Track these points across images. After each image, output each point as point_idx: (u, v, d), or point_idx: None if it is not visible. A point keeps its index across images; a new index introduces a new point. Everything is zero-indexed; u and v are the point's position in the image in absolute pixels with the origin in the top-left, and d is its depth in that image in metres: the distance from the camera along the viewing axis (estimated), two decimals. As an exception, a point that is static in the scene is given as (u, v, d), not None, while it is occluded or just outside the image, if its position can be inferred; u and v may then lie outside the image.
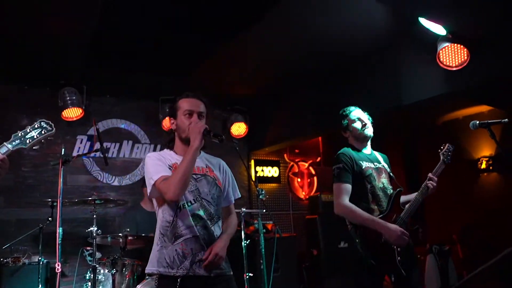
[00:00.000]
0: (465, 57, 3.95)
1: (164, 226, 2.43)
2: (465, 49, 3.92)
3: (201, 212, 2.45)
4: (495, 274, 1.43)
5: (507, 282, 1.45)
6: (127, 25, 4.16)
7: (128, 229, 4.20)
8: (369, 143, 3.42)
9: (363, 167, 3.21)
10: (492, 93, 4.79)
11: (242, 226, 4.64)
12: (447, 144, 3.40)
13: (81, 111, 5.41)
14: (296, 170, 7.65)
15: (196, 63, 5.06)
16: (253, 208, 6.53)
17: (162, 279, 2.38)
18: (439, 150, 3.38)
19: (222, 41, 4.52)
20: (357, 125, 3.34)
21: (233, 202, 2.76)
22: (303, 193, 7.58)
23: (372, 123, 3.41)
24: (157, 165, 2.43)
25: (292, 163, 7.63)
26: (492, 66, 4.01)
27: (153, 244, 2.49)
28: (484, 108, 5.94)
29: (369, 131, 3.35)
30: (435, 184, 3.16)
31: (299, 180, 7.62)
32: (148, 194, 2.45)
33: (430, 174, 3.19)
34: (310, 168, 7.74)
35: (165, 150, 2.64)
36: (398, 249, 3.02)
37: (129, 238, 4.17)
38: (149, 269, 2.44)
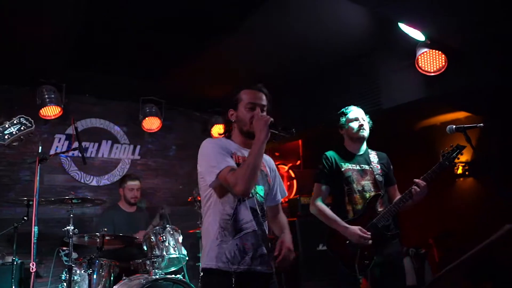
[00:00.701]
0: (443, 63, 4.04)
1: (224, 219, 2.31)
2: (443, 55, 4.01)
3: (256, 207, 2.39)
4: (463, 273, 1.46)
5: (474, 281, 1.49)
6: (108, 25, 4.13)
7: (105, 229, 4.15)
8: (364, 143, 3.46)
9: (343, 169, 3.28)
10: (469, 100, 4.88)
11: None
12: (456, 144, 3.15)
13: (59, 109, 5.33)
14: (276, 173, 7.65)
15: (177, 64, 5.04)
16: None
17: (220, 275, 2.25)
18: (442, 151, 3.19)
19: (203, 43, 4.51)
20: (354, 125, 3.37)
21: (280, 201, 2.69)
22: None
23: (371, 125, 3.44)
24: (220, 153, 2.33)
25: (272, 166, 7.63)
26: (469, 73, 4.11)
27: (207, 238, 2.35)
28: (461, 115, 6.05)
29: (365, 132, 3.39)
30: (418, 190, 3.07)
31: (279, 183, 7.62)
32: (209, 183, 2.31)
33: (416, 180, 3.12)
34: (290, 171, 7.76)
35: (222, 138, 2.56)
36: (365, 252, 3.07)
37: (107, 238, 4.13)
38: (207, 263, 2.31)
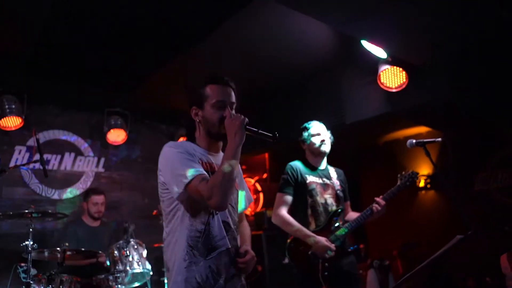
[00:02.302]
0: (404, 80, 4.18)
1: (193, 236, 1.99)
2: (404, 72, 4.15)
3: (229, 220, 2.10)
4: (420, 281, 1.51)
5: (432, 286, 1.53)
6: (73, 35, 4.08)
7: (67, 244, 4.03)
8: (325, 158, 3.51)
9: (307, 181, 3.33)
10: (428, 115, 5.06)
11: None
12: (411, 170, 3.34)
13: (20, 120, 5.18)
14: (243, 186, 7.66)
15: (143, 77, 5.01)
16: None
17: None
18: (399, 175, 3.34)
19: (169, 55, 4.51)
20: (316, 140, 3.41)
21: (246, 208, 2.41)
22: (249, 209, 7.60)
23: (332, 140, 3.48)
24: (187, 159, 2.00)
25: (239, 179, 7.63)
26: (429, 89, 4.26)
27: (172, 260, 2.02)
28: (423, 129, 6.24)
29: (326, 147, 3.43)
30: (379, 208, 3.18)
31: (245, 195, 7.63)
32: (176, 195, 1.97)
33: (376, 198, 3.23)
34: (256, 184, 7.79)
35: (184, 141, 2.23)
36: (326, 264, 3.14)
37: (68, 253, 4.01)
38: None
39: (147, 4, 3.65)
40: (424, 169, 6.68)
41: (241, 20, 3.86)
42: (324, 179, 3.43)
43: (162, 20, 3.86)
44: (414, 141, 3.13)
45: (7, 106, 5.05)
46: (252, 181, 7.79)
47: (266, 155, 7.90)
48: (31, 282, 3.70)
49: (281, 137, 3.70)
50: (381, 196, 3.24)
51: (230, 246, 2.06)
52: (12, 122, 5.17)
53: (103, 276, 4.14)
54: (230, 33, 4.06)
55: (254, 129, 2.02)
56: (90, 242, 4.69)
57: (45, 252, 3.98)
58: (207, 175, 1.97)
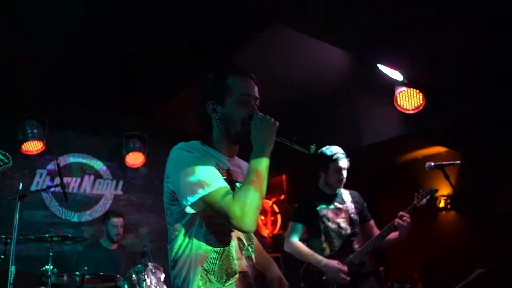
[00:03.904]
0: (421, 101, 4.16)
1: (210, 258, 1.65)
2: (420, 94, 4.13)
3: (244, 238, 1.77)
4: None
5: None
6: (93, 60, 4.17)
7: (86, 268, 4.06)
8: None
9: (318, 208, 3.35)
10: (446, 136, 5.02)
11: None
12: (428, 188, 3.29)
13: (42, 144, 5.29)
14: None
15: (161, 99, 5.08)
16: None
17: None
18: (416, 193, 3.29)
19: (187, 79, 4.57)
20: (337, 176, 3.37)
21: None
22: (267, 231, 7.56)
23: (348, 166, 3.43)
24: (205, 165, 1.63)
25: (255, 200, 7.61)
26: (446, 110, 4.24)
27: (182, 285, 1.67)
28: (441, 149, 6.17)
29: (342, 185, 3.44)
30: (402, 223, 3.11)
31: (262, 217, 7.61)
32: (189, 205, 1.60)
33: (401, 212, 3.18)
34: (274, 205, 7.76)
35: (196, 142, 1.81)
36: None
37: (87, 277, 4.04)
38: None
39: (165, 30, 3.72)
40: (444, 189, 6.56)
41: (259, 44, 3.91)
42: (337, 204, 3.42)
43: (180, 44, 3.93)
44: (432, 164, 3.11)
45: (29, 131, 5.16)
46: (270, 202, 7.76)
47: (284, 176, 7.89)
48: (50, 306, 3.73)
49: (301, 157, 3.67)
50: (404, 211, 3.19)
51: (247, 269, 1.73)
52: (34, 147, 5.28)
53: (121, 300, 4.16)
54: (248, 56, 4.10)
55: (285, 140, 1.69)
56: (108, 265, 4.72)
57: (64, 276, 4.02)
58: (229, 188, 1.61)
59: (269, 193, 7.79)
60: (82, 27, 3.57)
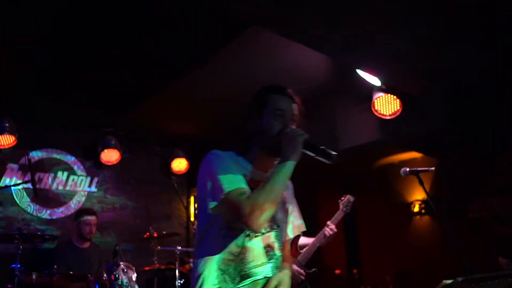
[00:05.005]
0: (398, 107, 4.20)
1: (226, 259, 1.73)
2: (398, 100, 4.17)
3: (276, 246, 1.82)
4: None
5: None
6: (70, 54, 4.09)
7: (55, 266, 3.98)
8: None
9: None
10: (423, 142, 5.08)
11: (176, 265, 4.55)
12: (348, 196, 3.70)
13: (14, 138, 5.16)
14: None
15: (139, 100, 5.03)
16: (190, 246, 6.40)
17: None
18: (340, 200, 3.67)
19: (166, 79, 4.54)
20: None
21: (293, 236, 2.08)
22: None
23: None
24: (231, 169, 1.73)
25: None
26: (423, 117, 4.29)
27: (199, 284, 1.74)
28: (417, 155, 6.25)
29: None
30: (331, 233, 3.45)
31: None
32: (209, 207, 1.71)
33: (328, 222, 3.51)
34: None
35: (231, 153, 1.90)
36: None
37: (56, 276, 3.95)
38: None
39: (145, 29, 3.68)
40: (419, 194, 6.65)
41: (235, 47, 3.89)
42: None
43: (159, 46, 3.89)
44: (407, 169, 3.15)
45: (0, 125, 5.04)
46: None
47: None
48: (17, 305, 3.64)
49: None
50: (330, 221, 3.55)
51: (271, 275, 1.77)
52: (5, 141, 5.16)
53: (91, 300, 4.09)
54: (225, 60, 4.10)
55: (311, 151, 1.78)
56: (80, 264, 4.63)
57: (32, 275, 3.92)
58: (249, 190, 1.70)
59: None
60: (58, 22, 3.50)
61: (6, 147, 5.21)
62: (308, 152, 1.77)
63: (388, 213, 5.84)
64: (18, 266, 3.69)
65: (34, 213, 5.52)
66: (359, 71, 3.95)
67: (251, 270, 1.73)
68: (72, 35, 3.77)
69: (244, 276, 1.72)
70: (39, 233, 4.70)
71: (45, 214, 5.60)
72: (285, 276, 1.83)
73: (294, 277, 2.85)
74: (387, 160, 6.78)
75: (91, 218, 4.97)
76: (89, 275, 4.34)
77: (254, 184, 1.77)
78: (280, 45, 3.84)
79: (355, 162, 6.69)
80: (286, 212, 1.96)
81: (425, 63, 3.61)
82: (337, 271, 7.05)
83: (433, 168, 3.15)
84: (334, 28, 3.15)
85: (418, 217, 6.70)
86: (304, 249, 3.49)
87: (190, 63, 4.19)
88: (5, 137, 5.14)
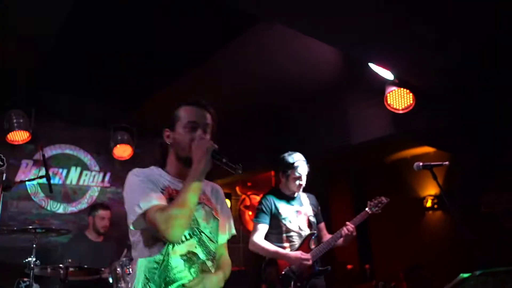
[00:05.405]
0: (411, 102, 4.16)
1: (151, 268, 1.85)
2: (411, 94, 4.13)
3: (199, 251, 1.92)
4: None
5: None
6: (81, 51, 4.12)
7: (69, 260, 4.02)
8: None
9: (280, 210, 3.58)
10: (435, 137, 5.03)
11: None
12: (381, 197, 3.64)
13: (28, 134, 5.23)
14: (248, 203, 7.65)
15: (149, 94, 5.04)
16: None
17: None
18: (369, 201, 3.64)
19: (175, 74, 4.54)
20: (295, 182, 3.61)
21: (227, 239, 2.17)
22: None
23: (307, 173, 3.66)
24: (147, 188, 1.86)
25: (244, 196, 7.62)
26: (436, 111, 4.24)
27: None
28: (430, 149, 6.21)
29: (301, 190, 3.68)
30: (348, 232, 3.43)
31: (250, 213, 7.61)
32: (131, 223, 1.85)
33: (347, 222, 3.49)
34: (262, 201, 7.75)
35: (153, 167, 2.05)
36: (298, 284, 3.41)
37: (71, 269, 4.00)
38: None
39: (153, 26, 3.70)
40: (432, 189, 6.62)
41: (246, 41, 3.88)
42: (297, 206, 3.67)
43: (170, 39, 3.89)
44: (421, 164, 3.14)
45: (15, 121, 5.10)
46: (258, 198, 7.75)
47: (272, 172, 7.88)
48: (32, 298, 3.69)
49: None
50: (350, 221, 3.50)
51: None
52: (20, 136, 5.22)
53: (105, 293, 4.13)
54: (235, 53, 4.09)
55: (217, 160, 1.87)
56: (93, 257, 4.68)
57: (47, 269, 3.98)
58: (164, 204, 1.83)
59: (257, 189, 7.80)
60: (70, 17, 3.51)
61: (21, 142, 5.28)
62: (216, 161, 1.87)
63: (400, 208, 5.80)
64: (34, 259, 3.74)
65: (49, 208, 5.59)
66: (371, 65, 3.92)
67: (175, 276, 1.84)
68: (82, 29, 3.78)
69: (168, 282, 1.83)
70: (54, 227, 4.74)
71: (59, 209, 5.66)
72: (207, 281, 1.91)
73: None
74: (399, 155, 6.74)
75: (106, 212, 5.03)
76: (103, 269, 4.39)
77: (177, 193, 1.90)
78: (291, 39, 3.82)
79: (368, 156, 6.68)
80: (213, 217, 2.04)
81: (440, 56, 3.56)
82: (349, 266, 7.05)
83: (447, 163, 3.13)
84: (347, 22, 3.12)
85: (430, 212, 6.67)
86: (316, 247, 3.52)
87: (199, 57, 4.19)
88: (20, 133, 5.19)
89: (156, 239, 1.86)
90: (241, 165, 1.87)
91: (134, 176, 1.93)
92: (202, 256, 1.93)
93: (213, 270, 1.97)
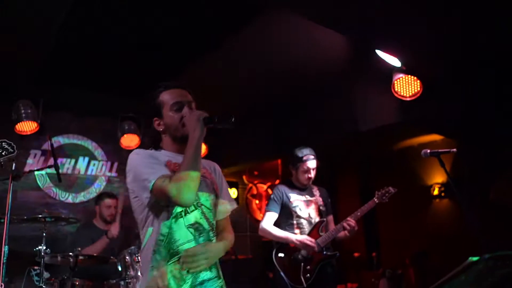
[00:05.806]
0: (419, 89, 4.13)
1: (158, 240, 1.94)
2: (418, 81, 4.10)
3: (203, 222, 2.01)
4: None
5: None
6: (87, 43, 4.12)
7: (79, 248, 4.07)
8: None
9: (291, 199, 3.80)
10: (442, 124, 5.00)
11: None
12: (389, 187, 3.79)
13: (36, 125, 5.25)
14: (255, 192, 7.67)
15: (156, 82, 5.03)
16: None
17: None
18: (377, 191, 3.80)
19: (183, 62, 4.53)
20: (305, 175, 3.82)
21: (228, 214, 2.26)
22: (261, 215, 7.57)
23: (316, 167, 3.84)
24: (151, 163, 1.95)
25: (251, 184, 7.65)
26: (444, 98, 4.22)
27: (143, 267, 2.01)
28: (437, 137, 6.18)
29: (310, 182, 3.89)
30: (348, 227, 3.60)
31: (257, 202, 7.64)
32: (146, 201, 1.93)
33: (348, 218, 3.65)
34: (269, 190, 7.78)
35: (153, 151, 2.12)
36: (308, 267, 3.60)
37: (80, 257, 4.04)
38: None
39: (160, 13, 3.68)
40: (439, 177, 6.60)
41: (254, 29, 3.86)
42: (307, 196, 3.88)
43: (177, 29, 3.88)
44: (428, 151, 3.11)
45: (23, 111, 5.13)
46: (265, 186, 7.78)
47: (279, 161, 7.90)
48: (43, 286, 3.74)
49: (295, 142, 3.67)
50: (352, 215, 3.67)
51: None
52: (28, 127, 5.24)
53: (114, 281, 4.17)
54: (244, 41, 4.07)
55: (211, 123, 1.97)
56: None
57: (58, 257, 4.02)
58: (170, 174, 1.92)
59: (264, 178, 7.82)
60: (78, 8, 3.51)
61: (29, 133, 5.30)
62: (210, 125, 1.96)
63: (407, 196, 5.78)
64: (44, 248, 3.78)
65: (57, 198, 5.64)
66: (378, 52, 3.89)
67: (179, 248, 1.93)
68: (89, 20, 3.78)
69: (173, 254, 1.93)
70: (63, 216, 4.80)
71: (68, 198, 5.72)
72: (210, 247, 1.99)
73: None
74: (407, 143, 6.72)
75: (112, 200, 5.05)
76: (112, 257, 4.44)
77: (179, 166, 1.96)
78: (297, 26, 3.80)
79: (375, 144, 6.67)
80: (215, 193, 2.14)
81: (448, 43, 3.53)
82: (356, 254, 7.08)
83: (454, 150, 3.11)
84: (354, 7, 3.09)
85: (437, 200, 6.67)
86: (325, 234, 3.70)
87: (207, 46, 4.18)
88: (28, 124, 5.22)
89: (163, 212, 1.96)
90: (233, 117, 1.98)
91: (136, 156, 2.02)
92: (206, 227, 2.02)
93: (214, 241, 2.07)
